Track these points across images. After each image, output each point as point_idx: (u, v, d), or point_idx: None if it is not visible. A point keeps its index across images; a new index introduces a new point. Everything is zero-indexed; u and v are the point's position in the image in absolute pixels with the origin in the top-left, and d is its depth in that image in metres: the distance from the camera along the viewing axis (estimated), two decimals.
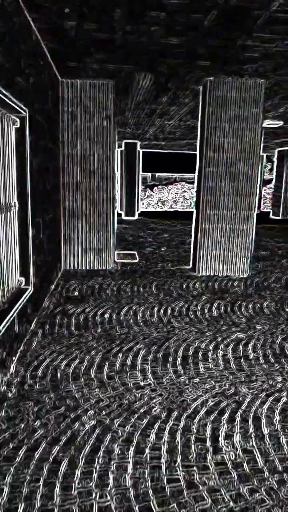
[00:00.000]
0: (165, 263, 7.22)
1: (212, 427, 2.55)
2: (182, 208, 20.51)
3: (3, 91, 2.89)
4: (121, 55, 4.86)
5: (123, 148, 15.07)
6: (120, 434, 2.46)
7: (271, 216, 17.29)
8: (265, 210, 19.88)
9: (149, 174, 26.10)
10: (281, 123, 9.60)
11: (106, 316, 4.45)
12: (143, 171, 19.34)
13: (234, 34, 4.15)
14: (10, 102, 3.10)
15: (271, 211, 17.38)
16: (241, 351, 3.65)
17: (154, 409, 2.73)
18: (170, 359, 3.46)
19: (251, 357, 3.54)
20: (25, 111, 3.57)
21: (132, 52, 4.75)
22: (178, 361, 3.42)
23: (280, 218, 16.68)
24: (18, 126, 3.59)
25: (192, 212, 19.08)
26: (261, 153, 6.00)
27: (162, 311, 4.67)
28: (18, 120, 3.56)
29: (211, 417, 2.65)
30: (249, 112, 5.94)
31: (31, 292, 3.91)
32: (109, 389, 2.97)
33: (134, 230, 11.87)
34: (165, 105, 7.77)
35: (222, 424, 2.58)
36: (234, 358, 3.51)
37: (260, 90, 5.87)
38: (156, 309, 4.73)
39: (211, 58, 4.89)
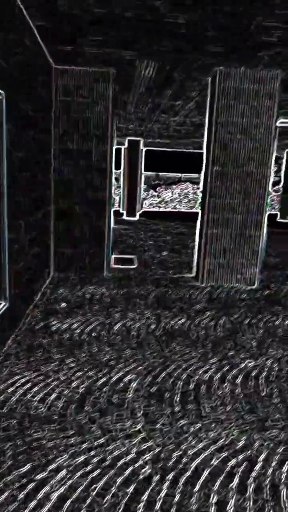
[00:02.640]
0: (166, 270, 6.63)
1: (217, 499, 1.97)
2: (186, 209, 19.92)
3: None
4: (121, 36, 4.28)
5: (126, 145, 14.50)
6: (95, 509, 1.88)
7: (278, 219, 16.67)
8: (272, 212, 19.30)
9: (153, 173, 25.50)
10: None
11: (95, 334, 3.86)
12: (146, 170, 18.75)
13: (252, 10, 3.55)
14: None
15: (278, 213, 16.76)
16: (252, 385, 3.06)
17: (144, 469, 2.15)
18: (167, 394, 2.87)
19: (264, 393, 2.95)
20: (0, 94, 2.99)
21: (133, 32, 4.16)
22: (177, 397, 2.84)
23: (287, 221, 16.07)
24: None
25: (196, 213, 18.48)
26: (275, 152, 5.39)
27: (160, 329, 4.08)
28: None
29: (217, 483, 2.07)
30: (262, 106, 5.34)
31: (6, 306, 3.34)
32: (89, 437, 2.39)
33: (134, 231, 11.28)
34: (170, 99, 7.18)
35: (230, 495, 2.00)
36: (244, 394, 2.92)
37: (275, 82, 5.27)
38: (153, 326, 4.14)
39: (222, 41, 4.29)
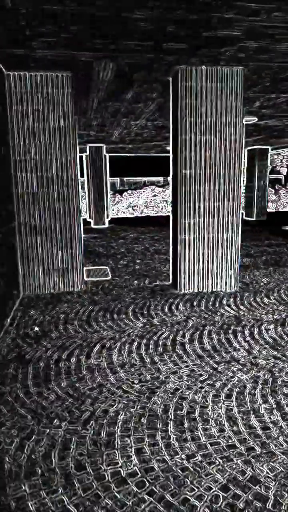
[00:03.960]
0: (141, 279, 6.37)
1: None
2: (154, 213, 19.79)
3: None
4: (76, 35, 4.00)
5: (87, 152, 14.18)
6: None
7: (244, 217, 16.79)
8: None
9: (117, 179, 25.28)
10: (255, 119, 8.99)
11: (73, 360, 3.55)
12: (110, 176, 18.50)
13: (213, 2, 3.37)
14: None
15: (243, 212, 16.89)
16: (248, 402, 2.84)
17: None
18: (159, 424, 2.61)
19: (261, 410, 2.74)
20: None
21: (88, 31, 3.90)
22: (170, 426, 2.58)
23: (254, 219, 16.23)
24: None
25: (164, 216, 18.37)
26: (243, 151, 5.31)
27: (142, 346, 3.82)
28: None
29: None
30: (228, 105, 5.20)
31: None
32: (77, 487, 2.08)
33: (104, 239, 10.97)
34: (131, 102, 6.96)
35: None
36: (242, 414, 2.70)
37: (239, 79, 5.14)
38: (135, 343, 3.87)
39: (182, 38, 4.10)
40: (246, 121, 8.58)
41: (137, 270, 6.99)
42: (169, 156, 5.70)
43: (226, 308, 4.88)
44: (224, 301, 5.12)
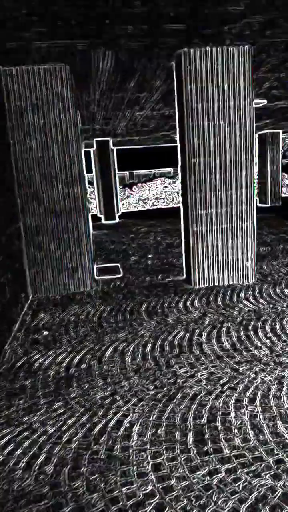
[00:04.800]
0: (153, 275, 6.16)
1: None
2: (165, 205, 19.49)
3: None
4: (69, 22, 3.77)
5: (94, 147, 13.96)
6: None
7: (258, 204, 16.39)
8: None
9: (127, 173, 25.03)
10: (265, 101, 8.62)
11: (84, 366, 3.36)
12: (119, 170, 18.26)
13: None
14: None
15: (257, 198, 16.48)
16: (273, 406, 2.62)
17: None
18: (178, 435, 2.40)
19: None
20: None
21: (82, 16, 3.66)
22: (189, 437, 2.37)
23: (268, 205, 15.81)
24: None
25: (175, 207, 18.09)
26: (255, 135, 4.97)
27: (157, 347, 3.61)
28: None
29: None
30: (236, 87, 4.90)
31: None
32: None
33: (115, 235, 10.77)
34: (134, 91, 6.70)
35: None
36: (267, 420, 2.47)
37: (247, 59, 4.84)
38: (149, 345, 3.66)
39: (182, 18, 3.83)
40: (256, 103, 8.22)
41: (149, 266, 6.77)
42: (177, 146, 5.44)
43: (245, 302, 4.63)
44: (242, 295, 4.87)
